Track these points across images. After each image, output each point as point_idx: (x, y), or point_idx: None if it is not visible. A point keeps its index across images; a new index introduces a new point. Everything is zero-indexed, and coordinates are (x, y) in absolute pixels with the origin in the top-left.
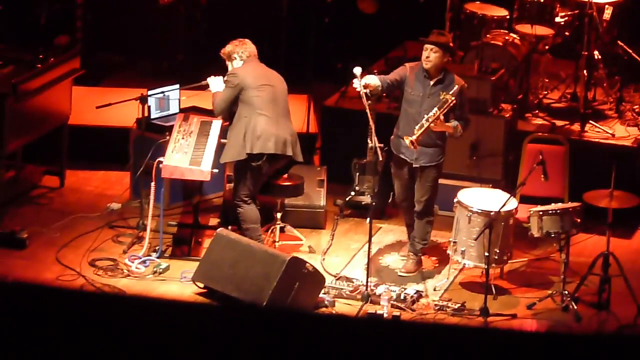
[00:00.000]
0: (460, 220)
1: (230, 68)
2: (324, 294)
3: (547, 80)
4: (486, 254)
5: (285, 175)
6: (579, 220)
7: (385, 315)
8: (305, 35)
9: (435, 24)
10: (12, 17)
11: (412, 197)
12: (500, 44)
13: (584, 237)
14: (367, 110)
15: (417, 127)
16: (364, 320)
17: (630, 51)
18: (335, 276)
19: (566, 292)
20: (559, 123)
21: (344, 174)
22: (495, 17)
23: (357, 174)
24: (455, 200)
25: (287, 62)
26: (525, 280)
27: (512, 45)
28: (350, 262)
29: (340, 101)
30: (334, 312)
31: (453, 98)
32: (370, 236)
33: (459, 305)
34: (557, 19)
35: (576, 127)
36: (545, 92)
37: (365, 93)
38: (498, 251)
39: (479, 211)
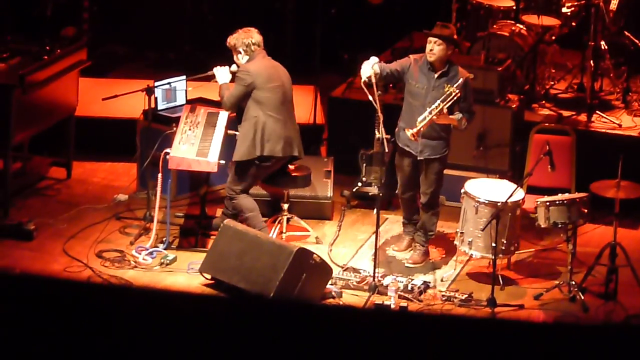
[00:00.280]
0: (467, 211)
1: (236, 59)
2: (331, 285)
3: (553, 71)
4: (493, 244)
5: (292, 167)
6: (586, 210)
7: (392, 306)
8: (312, 26)
9: (441, 15)
10: (18, 9)
11: (415, 189)
12: (507, 34)
13: (591, 228)
14: (376, 101)
15: (419, 120)
16: (371, 312)
17: (637, 41)
18: (342, 267)
19: (573, 282)
20: (565, 113)
21: (350, 165)
22: (502, 8)
23: (364, 164)
24: (462, 191)
25: (294, 53)
26: (533, 271)
27: (518, 36)
28: (357, 253)
29: (347, 92)
30: (341, 303)
31: (457, 91)
32: (378, 227)
33: (466, 296)
34: (564, 10)
35: (583, 117)
36: (552, 83)
37: (375, 83)
38: (505, 242)
39: (486, 202)
